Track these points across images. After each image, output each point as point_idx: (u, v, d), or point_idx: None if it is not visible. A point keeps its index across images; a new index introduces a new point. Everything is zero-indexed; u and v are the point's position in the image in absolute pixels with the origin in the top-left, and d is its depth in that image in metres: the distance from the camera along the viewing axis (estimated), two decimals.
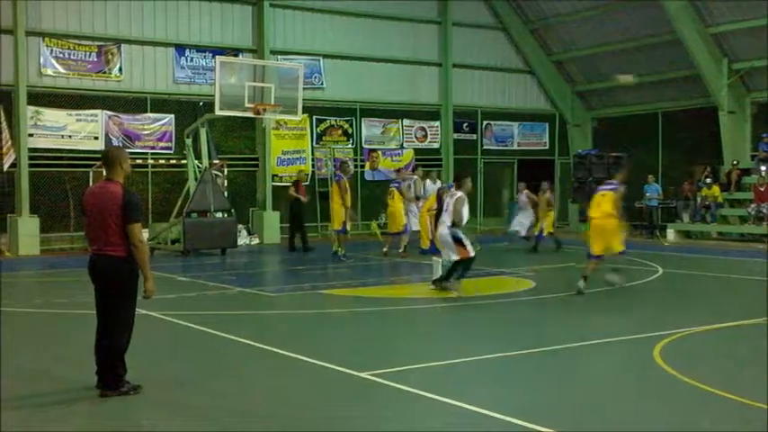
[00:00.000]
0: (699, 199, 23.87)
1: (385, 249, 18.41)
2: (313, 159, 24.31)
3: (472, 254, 12.13)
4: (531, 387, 7.16)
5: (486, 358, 8.10)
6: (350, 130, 25.22)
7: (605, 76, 27.84)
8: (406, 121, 26.40)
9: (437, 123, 26.99)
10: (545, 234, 19.95)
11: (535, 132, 29.08)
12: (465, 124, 27.55)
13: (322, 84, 24.41)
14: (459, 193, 12.23)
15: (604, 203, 12.54)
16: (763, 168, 23.03)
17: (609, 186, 12.88)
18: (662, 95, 26.46)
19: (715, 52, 24.18)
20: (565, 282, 13.49)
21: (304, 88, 20.76)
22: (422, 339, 9.59)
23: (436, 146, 27.00)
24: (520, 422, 5.90)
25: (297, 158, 24.05)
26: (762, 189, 22.44)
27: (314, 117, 24.33)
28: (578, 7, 26.51)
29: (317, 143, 24.48)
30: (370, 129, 25.67)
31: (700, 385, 6.91)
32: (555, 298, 12.32)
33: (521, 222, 20.46)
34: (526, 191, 20.71)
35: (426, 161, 25.31)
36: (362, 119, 25.47)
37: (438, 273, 12.71)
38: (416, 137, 26.57)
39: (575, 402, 6.64)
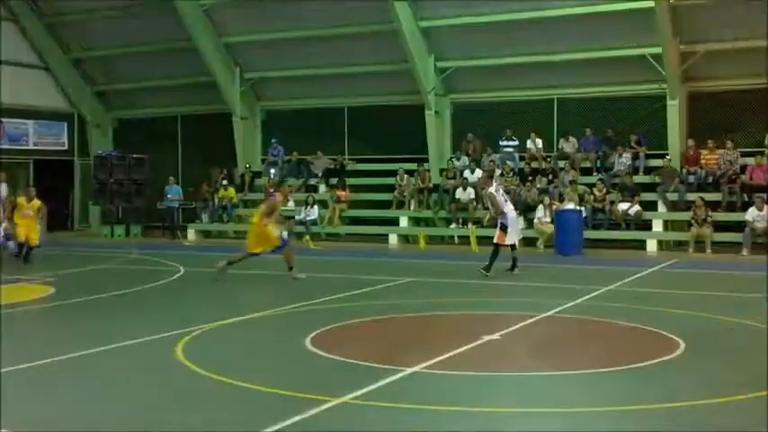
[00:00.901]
0: (216, 200, 25.16)
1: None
2: None
3: None
4: (47, 400, 6.80)
5: None
6: None
7: (126, 77, 27.86)
8: None
9: None
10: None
11: (53, 132, 27.88)
12: None
13: None
14: None
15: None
16: (272, 171, 25.20)
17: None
18: (182, 100, 27.26)
19: (228, 61, 25.72)
20: (84, 286, 13.25)
21: None
22: None
23: None
24: None
25: None
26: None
27: None
28: (96, 6, 26.07)
29: None
30: None
31: (223, 379, 7.29)
32: (74, 304, 12.10)
33: None
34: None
35: None
36: None
37: None
38: None
39: (95, 411, 6.49)
